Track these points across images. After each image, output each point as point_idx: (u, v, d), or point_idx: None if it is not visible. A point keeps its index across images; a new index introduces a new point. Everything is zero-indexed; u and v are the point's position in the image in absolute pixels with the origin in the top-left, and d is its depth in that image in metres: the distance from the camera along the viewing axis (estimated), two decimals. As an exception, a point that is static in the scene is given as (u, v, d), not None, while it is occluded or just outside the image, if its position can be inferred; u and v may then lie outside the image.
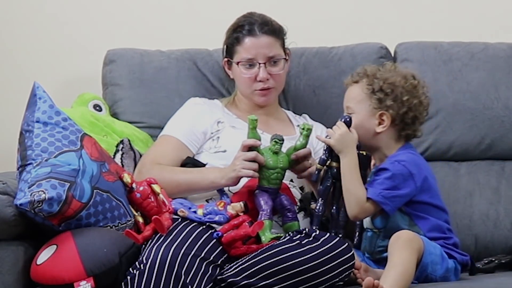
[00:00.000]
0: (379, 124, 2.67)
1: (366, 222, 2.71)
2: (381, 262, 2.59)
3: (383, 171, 2.61)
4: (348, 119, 2.65)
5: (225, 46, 2.99)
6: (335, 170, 2.66)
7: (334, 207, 2.69)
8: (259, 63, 2.90)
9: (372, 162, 2.73)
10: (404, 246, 2.47)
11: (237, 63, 2.92)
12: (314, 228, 2.62)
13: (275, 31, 2.94)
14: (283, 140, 2.69)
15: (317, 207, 2.68)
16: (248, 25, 2.92)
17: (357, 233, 2.73)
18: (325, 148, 2.67)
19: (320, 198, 2.69)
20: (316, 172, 2.67)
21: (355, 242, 2.73)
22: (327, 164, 2.67)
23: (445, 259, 2.58)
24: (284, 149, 2.71)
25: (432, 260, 2.54)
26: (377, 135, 2.67)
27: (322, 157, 2.67)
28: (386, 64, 2.76)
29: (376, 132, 2.67)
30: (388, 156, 2.67)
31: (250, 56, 2.90)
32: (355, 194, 2.59)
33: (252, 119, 2.66)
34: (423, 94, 2.70)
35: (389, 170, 2.60)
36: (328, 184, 2.67)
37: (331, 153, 2.66)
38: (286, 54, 2.97)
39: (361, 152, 2.67)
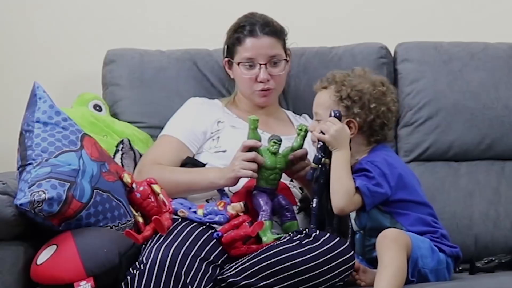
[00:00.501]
0: None
1: (353, 225, 2.71)
2: (374, 262, 2.58)
3: (363, 171, 2.61)
4: (338, 114, 2.64)
5: (226, 46, 2.99)
6: (328, 167, 2.65)
7: (329, 205, 2.68)
8: (260, 64, 2.90)
9: None
10: (391, 245, 2.47)
11: (238, 64, 2.92)
12: (312, 226, 2.62)
13: (276, 32, 2.94)
14: (281, 140, 2.69)
15: (313, 206, 2.67)
16: (249, 26, 2.92)
17: (350, 236, 2.72)
18: (318, 146, 2.66)
19: (316, 196, 2.68)
20: (311, 171, 2.66)
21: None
22: (321, 162, 2.66)
23: (435, 251, 2.58)
24: (280, 149, 2.70)
25: (422, 254, 2.53)
26: None
27: (317, 155, 2.65)
28: (356, 69, 2.75)
29: None
30: (360, 159, 2.67)
31: (251, 56, 2.90)
32: (346, 185, 2.57)
33: (253, 119, 2.66)
34: (392, 101, 2.70)
35: (370, 172, 2.59)
36: (323, 182, 2.66)
37: (325, 151, 2.65)
38: (287, 55, 2.97)
39: None
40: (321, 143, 2.64)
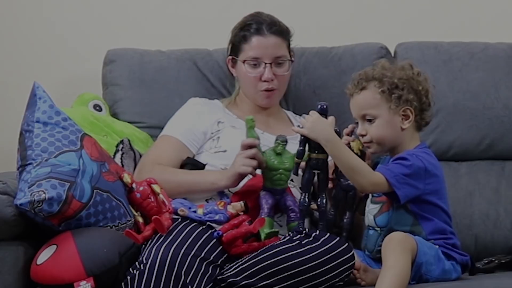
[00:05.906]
0: (403, 120, 2.64)
1: (369, 220, 2.69)
2: (382, 261, 2.57)
3: (402, 159, 2.58)
4: (324, 107, 2.62)
5: (230, 44, 2.98)
6: (314, 161, 2.63)
7: (319, 199, 2.66)
8: (265, 63, 2.89)
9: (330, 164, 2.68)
10: (396, 247, 2.46)
11: (243, 62, 2.92)
12: (300, 222, 2.62)
13: (283, 32, 2.94)
14: (286, 141, 2.68)
15: (300, 200, 2.66)
16: (256, 24, 2.91)
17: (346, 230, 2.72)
18: (300, 140, 2.64)
19: (303, 192, 2.66)
20: (295, 165, 2.64)
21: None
22: (305, 156, 2.64)
23: (441, 260, 2.57)
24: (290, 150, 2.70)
25: (427, 261, 2.52)
26: (403, 131, 2.64)
27: (299, 149, 2.63)
28: (379, 62, 2.71)
29: (403, 128, 2.64)
30: (405, 150, 2.64)
31: (257, 55, 2.90)
32: (360, 168, 2.53)
33: (248, 119, 2.66)
34: (425, 79, 2.67)
35: (408, 160, 2.56)
36: (309, 177, 2.65)
37: (308, 144, 2.62)
38: (291, 56, 2.97)
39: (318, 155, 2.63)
40: (301, 137, 2.62)
